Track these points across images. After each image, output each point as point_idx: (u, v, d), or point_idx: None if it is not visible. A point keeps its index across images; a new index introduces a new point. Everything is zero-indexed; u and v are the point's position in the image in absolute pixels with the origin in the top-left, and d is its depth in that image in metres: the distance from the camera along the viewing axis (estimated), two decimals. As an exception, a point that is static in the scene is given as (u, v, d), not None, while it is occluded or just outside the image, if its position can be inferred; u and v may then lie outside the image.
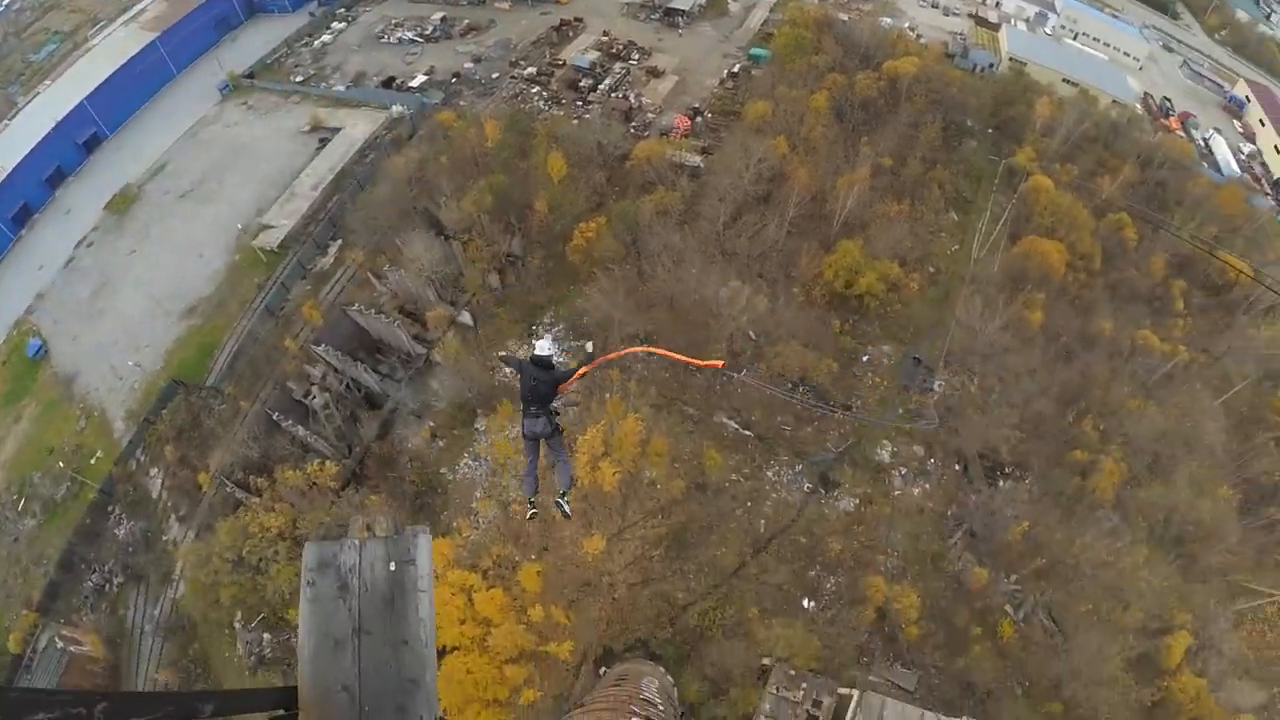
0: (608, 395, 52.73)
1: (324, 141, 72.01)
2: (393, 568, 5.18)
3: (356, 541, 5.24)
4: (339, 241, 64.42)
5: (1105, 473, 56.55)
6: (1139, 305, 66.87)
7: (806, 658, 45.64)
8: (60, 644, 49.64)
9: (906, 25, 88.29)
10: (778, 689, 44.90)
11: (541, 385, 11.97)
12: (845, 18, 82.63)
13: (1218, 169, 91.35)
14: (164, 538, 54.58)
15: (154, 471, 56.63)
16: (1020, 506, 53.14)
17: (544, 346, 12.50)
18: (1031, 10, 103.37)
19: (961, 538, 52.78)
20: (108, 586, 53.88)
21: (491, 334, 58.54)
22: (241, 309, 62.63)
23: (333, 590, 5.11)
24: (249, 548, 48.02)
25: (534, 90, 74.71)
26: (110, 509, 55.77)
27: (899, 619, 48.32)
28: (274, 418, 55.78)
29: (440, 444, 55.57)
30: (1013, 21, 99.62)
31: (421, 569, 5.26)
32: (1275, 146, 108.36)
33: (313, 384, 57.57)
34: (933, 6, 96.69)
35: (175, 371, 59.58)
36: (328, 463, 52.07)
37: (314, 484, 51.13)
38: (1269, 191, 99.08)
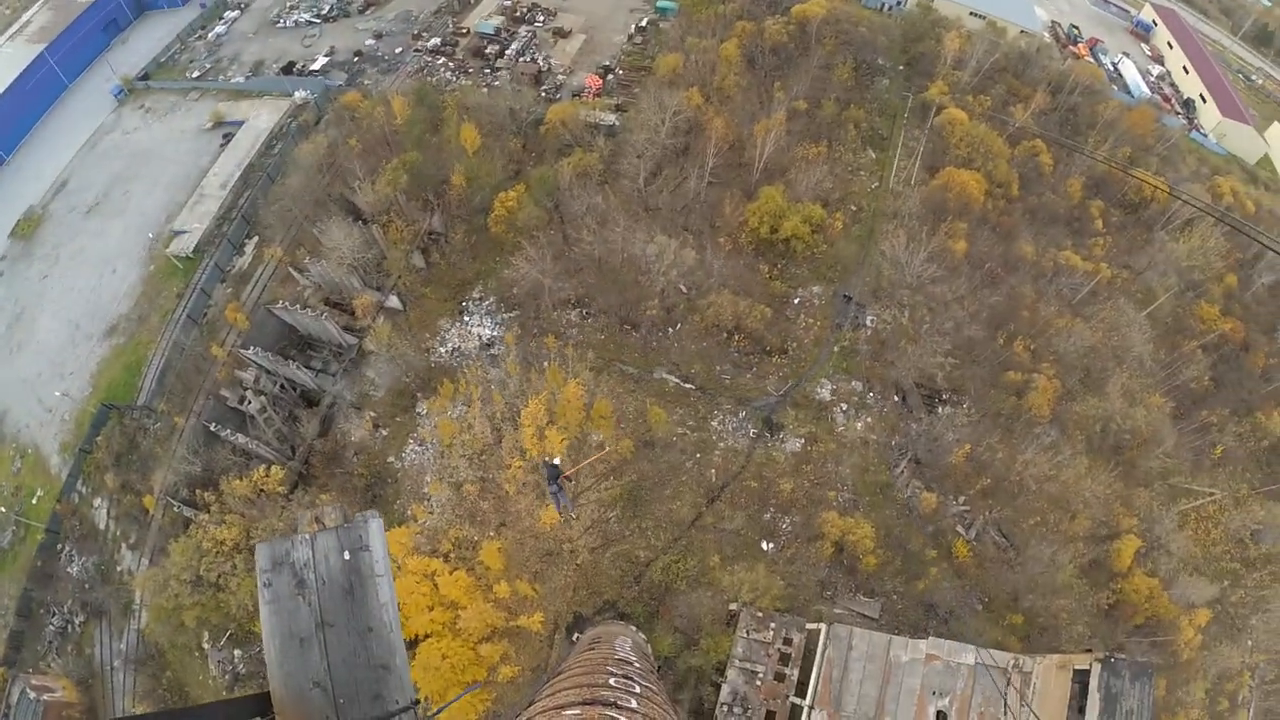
0: (546, 364, 52.33)
1: (228, 137, 69.26)
2: (347, 556, 4.93)
3: (308, 535, 4.98)
4: (255, 239, 62.22)
5: (1039, 390, 58.28)
6: (1059, 227, 68.63)
7: (771, 598, 46.44)
8: (33, 695, 48.09)
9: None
10: (748, 632, 45.70)
11: (553, 473, 31.62)
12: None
13: (1128, 92, 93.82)
14: (118, 568, 53.06)
15: (98, 502, 54.93)
16: (961, 430, 54.42)
17: (557, 460, 32.26)
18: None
19: (907, 466, 53.89)
20: (70, 627, 52.55)
21: (421, 315, 57.39)
22: (163, 321, 60.40)
23: (290, 588, 4.84)
24: (205, 565, 46.99)
25: (439, 62, 72.69)
26: (60, 547, 54.17)
27: (856, 550, 49.23)
28: (212, 429, 54.15)
29: (384, 433, 54.62)
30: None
31: (376, 554, 5.02)
32: (1184, 67, 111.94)
33: (246, 389, 55.98)
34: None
35: (104, 395, 57.51)
36: (273, 468, 50.92)
37: (262, 491, 50.04)
38: (1179, 110, 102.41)
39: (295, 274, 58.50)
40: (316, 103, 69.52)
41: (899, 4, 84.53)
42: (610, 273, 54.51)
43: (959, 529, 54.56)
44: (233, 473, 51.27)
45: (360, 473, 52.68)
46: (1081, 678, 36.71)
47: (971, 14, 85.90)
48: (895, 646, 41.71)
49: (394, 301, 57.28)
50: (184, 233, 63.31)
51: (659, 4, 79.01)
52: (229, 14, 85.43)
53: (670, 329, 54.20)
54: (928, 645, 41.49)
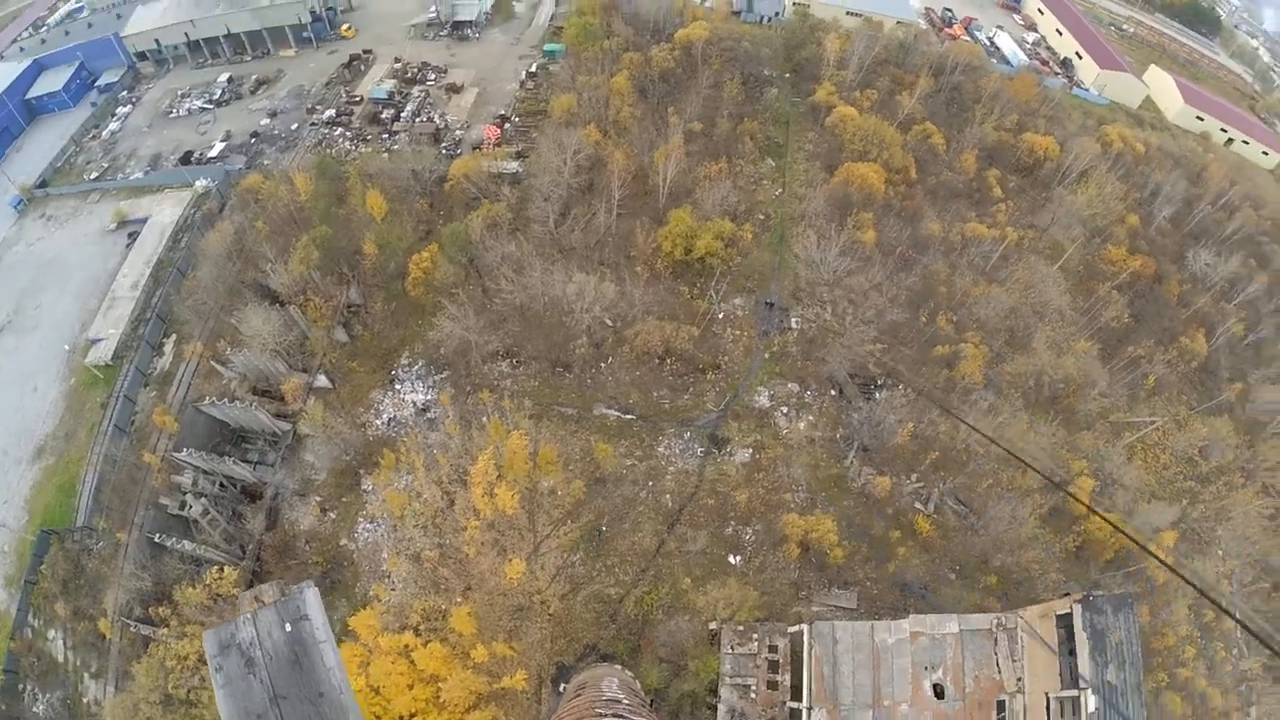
0: (485, 419, 52.13)
1: (133, 236, 67.76)
2: (289, 628, 5.26)
3: (249, 615, 5.26)
4: (173, 337, 60.82)
5: (969, 359, 60.32)
6: (961, 201, 71.49)
7: (749, 610, 46.74)
8: None
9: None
10: (732, 647, 45.94)
11: None
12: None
13: (1007, 62, 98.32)
14: (84, 700, 50.46)
15: (52, 634, 52.35)
16: (901, 411, 55.78)
17: None
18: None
19: (856, 455, 54.94)
20: (46, 772, 49.84)
21: (352, 390, 56.62)
22: (91, 435, 58.38)
23: (240, 669, 5.16)
24: (173, 683, 45.01)
25: (337, 133, 72.76)
26: (21, 688, 51.12)
27: (822, 546, 49.78)
28: (156, 540, 52.32)
29: (332, 516, 53.51)
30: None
31: (316, 621, 5.36)
32: (1057, 30, 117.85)
33: (185, 493, 54.29)
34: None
35: (42, 520, 55.13)
36: (225, 569, 49.24)
37: (217, 596, 48.39)
38: (1059, 71, 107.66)
39: (219, 367, 57.30)
40: (218, 189, 68.57)
41: (777, 14, 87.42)
42: (534, 318, 54.76)
43: (917, 505, 55.72)
44: (184, 581, 49.48)
45: (315, 560, 51.40)
46: (1066, 621, 38.19)
47: (848, 13, 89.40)
48: (879, 631, 42.38)
49: (322, 380, 56.51)
50: (100, 340, 61.61)
51: (546, 48, 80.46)
52: (121, 110, 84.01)
53: (602, 364, 54.59)
54: (910, 623, 42.34)
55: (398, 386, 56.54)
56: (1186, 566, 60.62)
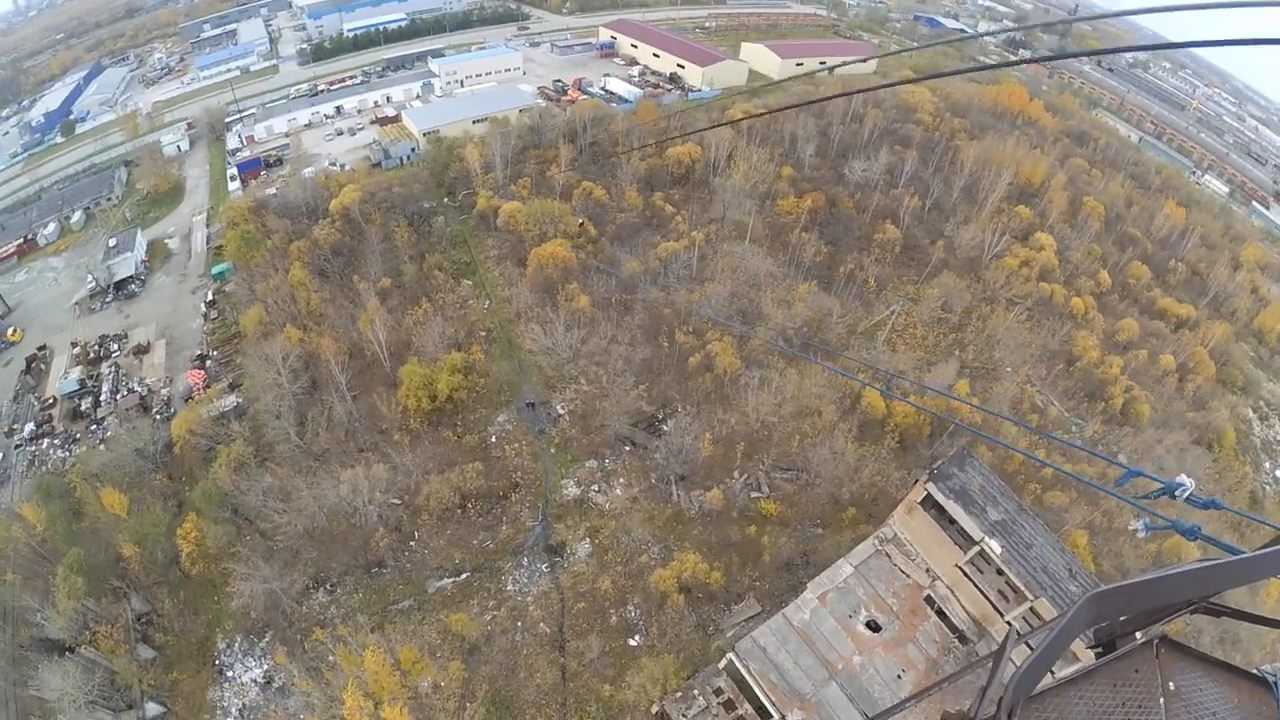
0: (331, 658, 48.41)
1: None
2: None
3: None
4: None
5: (721, 354, 66.58)
6: (645, 232, 79.45)
7: (675, 675, 47.00)
8: None
9: (328, 164, 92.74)
10: (684, 716, 45.63)
11: None
12: (273, 190, 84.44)
13: (626, 100, 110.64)
14: None
15: None
16: (692, 430, 59.87)
17: None
18: (416, 86, 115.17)
19: (678, 488, 57.89)
20: None
21: (186, 703, 49.63)
22: None
23: None
24: None
25: (44, 445, 64.85)
26: None
27: (698, 579, 51.48)
28: None
29: None
30: (407, 105, 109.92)
31: None
32: (654, 54, 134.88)
33: None
34: (338, 135, 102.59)
35: None
36: None
37: None
38: (670, 87, 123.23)
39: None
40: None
41: (414, 150, 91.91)
42: (324, 535, 52.08)
43: (754, 494, 59.36)
44: None
45: None
46: (930, 502, 40.49)
47: (474, 123, 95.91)
48: (791, 614, 43.30)
49: (153, 709, 49.44)
50: None
51: (214, 271, 77.64)
52: None
53: (411, 543, 53.06)
54: (811, 590, 43.93)
55: (229, 674, 50.72)
56: (991, 393, 69.79)
